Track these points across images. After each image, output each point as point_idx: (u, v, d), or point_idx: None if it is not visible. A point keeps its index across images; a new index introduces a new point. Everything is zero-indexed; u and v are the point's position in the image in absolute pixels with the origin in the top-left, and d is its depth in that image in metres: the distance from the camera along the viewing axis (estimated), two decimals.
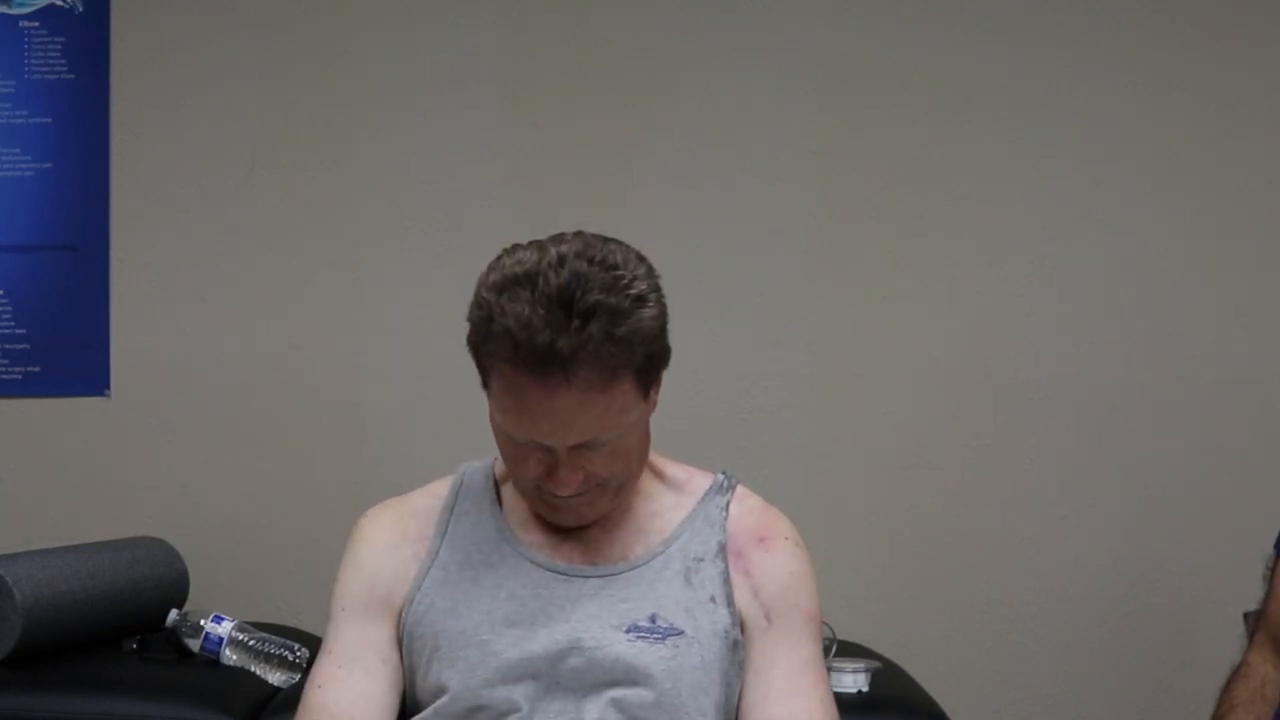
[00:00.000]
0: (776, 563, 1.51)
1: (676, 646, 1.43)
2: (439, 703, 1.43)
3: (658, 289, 1.40)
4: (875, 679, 2.00)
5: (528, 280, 1.32)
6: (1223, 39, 2.55)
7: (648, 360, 1.39)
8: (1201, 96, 2.56)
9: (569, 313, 1.30)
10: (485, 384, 1.43)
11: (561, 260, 1.33)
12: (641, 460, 1.50)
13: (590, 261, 1.34)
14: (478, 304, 1.37)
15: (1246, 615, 2.22)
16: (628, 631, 1.43)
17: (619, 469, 1.44)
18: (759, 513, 1.55)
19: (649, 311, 1.37)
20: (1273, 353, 2.55)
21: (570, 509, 1.46)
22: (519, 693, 1.41)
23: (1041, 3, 2.57)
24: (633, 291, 1.35)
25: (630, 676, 1.42)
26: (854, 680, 1.97)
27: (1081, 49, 2.55)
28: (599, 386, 1.34)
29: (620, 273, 1.35)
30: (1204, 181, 2.55)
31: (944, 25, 2.57)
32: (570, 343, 1.30)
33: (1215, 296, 2.54)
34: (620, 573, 1.47)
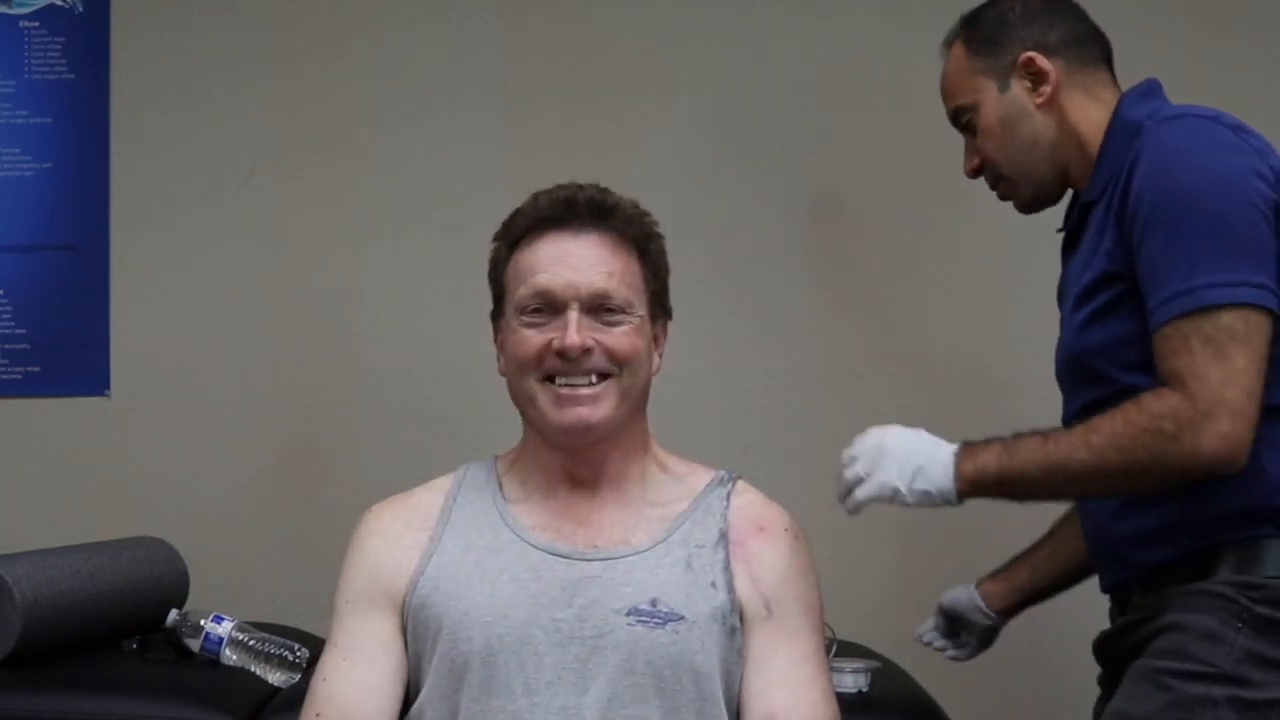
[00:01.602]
0: (776, 553, 1.53)
1: (677, 632, 1.45)
2: (450, 664, 1.45)
3: (660, 228, 1.59)
4: (875, 679, 2.00)
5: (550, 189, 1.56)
6: (1223, 40, 2.55)
7: (654, 264, 1.55)
8: (1201, 97, 2.56)
9: (585, 189, 1.54)
10: (500, 301, 1.54)
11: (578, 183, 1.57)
12: (645, 383, 1.55)
13: (604, 187, 1.57)
14: (502, 224, 1.57)
15: None
16: (628, 615, 1.45)
17: (629, 351, 1.49)
18: (760, 505, 1.59)
19: (652, 221, 1.57)
20: None
21: (578, 403, 1.48)
22: (520, 676, 1.43)
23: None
24: (643, 207, 1.57)
25: (631, 662, 1.43)
26: (854, 680, 1.97)
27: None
28: (614, 243, 1.52)
29: (629, 198, 1.57)
30: None
31: (944, 26, 2.55)
32: (588, 199, 1.52)
33: None
34: (622, 557, 1.49)
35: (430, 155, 2.60)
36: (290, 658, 2.08)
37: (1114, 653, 1.66)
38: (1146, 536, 1.61)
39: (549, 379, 1.49)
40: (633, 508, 1.54)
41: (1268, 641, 1.49)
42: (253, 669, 2.07)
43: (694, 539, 1.52)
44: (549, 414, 1.50)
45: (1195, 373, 1.47)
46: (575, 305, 1.48)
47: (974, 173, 1.79)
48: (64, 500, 2.60)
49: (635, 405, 1.54)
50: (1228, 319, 1.48)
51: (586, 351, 1.47)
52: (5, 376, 2.62)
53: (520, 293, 1.50)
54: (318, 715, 1.47)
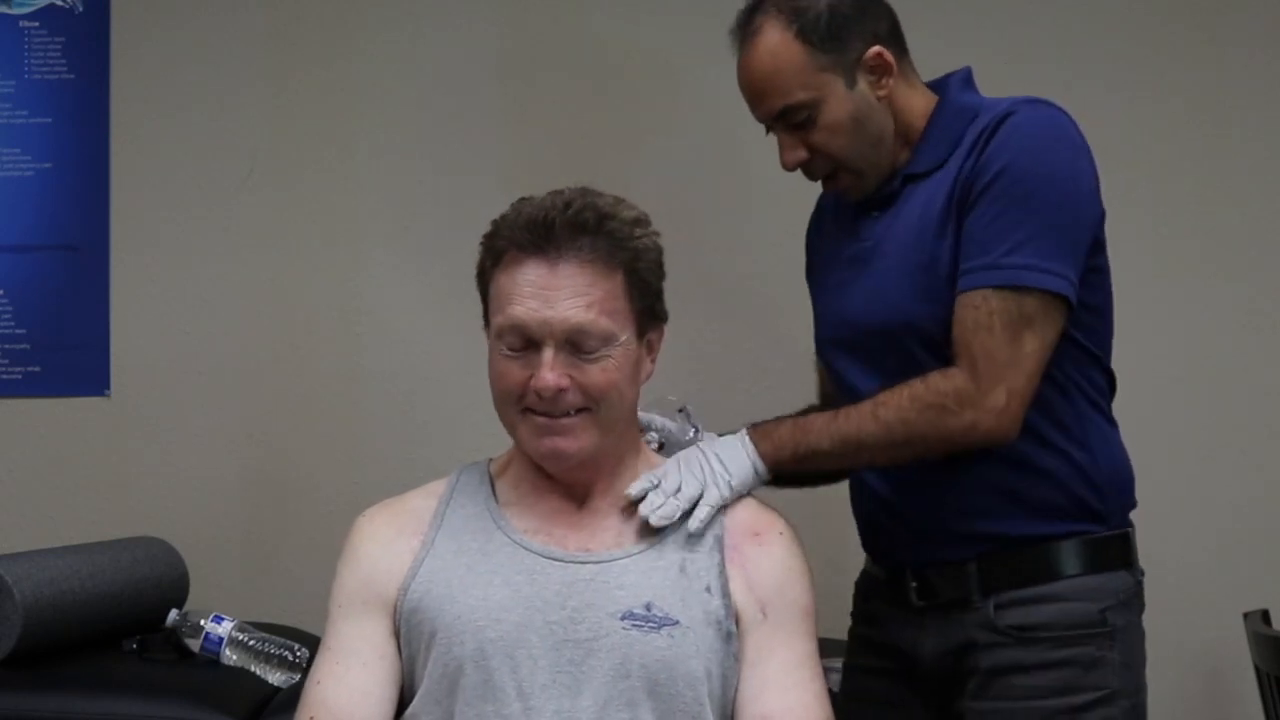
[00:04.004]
0: (772, 557, 1.53)
1: (672, 636, 1.44)
2: (443, 668, 1.45)
3: (656, 236, 1.54)
4: None
5: (540, 197, 1.51)
6: (1222, 41, 2.55)
7: (641, 280, 1.50)
8: (1201, 97, 2.56)
9: (569, 206, 1.47)
10: (487, 311, 1.52)
11: (570, 190, 1.51)
12: (629, 406, 1.53)
13: (596, 194, 1.51)
14: (490, 224, 1.52)
15: (1247, 615, 2.23)
16: (623, 619, 1.45)
17: (605, 387, 1.47)
18: (754, 508, 1.59)
19: (644, 232, 1.52)
20: (1272, 353, 2.55)
21: (555, 434, 1.48)
22: (514, 680, 1.43)
23: (1041, 5, 2.57)
24: (633, 214, 1.52)
25: (626, 666, 1.43)
26: None
27: (1079, 49, 2.55)
28: (593, 270, 1.46)
29: (624, 204, 1.52)
30: (1203, 182, 2.55)
31: (943, 25, 2.56)
32: (567, 221, 1.46)
33: (1215, 297, 2.54)
34: (616, 560, 1.49)
35: (429, 157, 2.60)
36: (290, 658, 2.08)
37: (956, 668, 1.70)
38: (980, 511, 1.67)
39: (528, 409, 1.49)
40: (625, 510, 1.54)
41: (1129, 646, 1.67)
42: (253, 669, 2.08)
43: (688, 543, 1.52)
44: (529, 444, 1.51)
45: (988, 351, 1.58)
46: (550, 343, 1.46)
47: (796, 165, 1.75)
48: (64, 500, 2.60)
49: (619, 428, 1.53)
50: (1031, 303, 1.59)
51: (562, 390, 1.46)
52: (5, 376, 2.62)
53: (498, 321, 1.49)
54: (311, 718, 1.47)
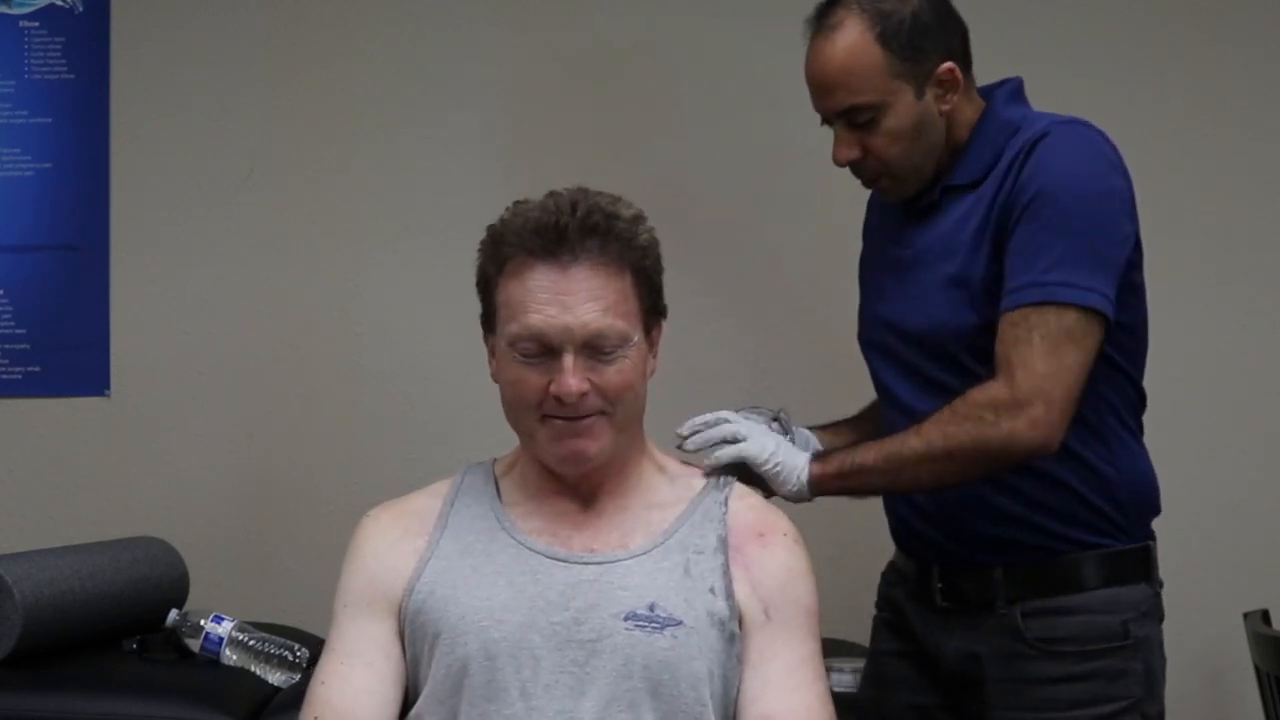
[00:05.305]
0: (775, 558, 1.53)
1: (675, 637, 1.44)
2: (447, 669, 1.45)
3: (653, 230, 1.54)
4: None
5: (539, 200, 1.51)
6: (1222, 41, 2.55)
7: (648, 278, 1.51)
8: (1201, 97, 2.56)
9: (575, 209, 1.47)
10: (491, 317, 1.51)
11: (568, 191, 1.51)
12: (640, 404, 1.54)
13: (594, 193, 1.51)
14: (489, 230, 1.51)
15: (1247, 615, 2.23)
16: (626, 619, 1.44)
17: (622, 389, 1.48)
18: (758, 509, 1.58)
19: (645, 229, 1.52)
20: (1273, 353, 2.55)
21: (575, 435, 1.48)
22: (517, 680, 1.43)
23: (1041, 5, 2.57)
24: (632, 212, 1.51)
25: (629, 666, 1.43)
26: (853, 679, 1.98)
27: (1079, 49, 2.55)
28: (604, 271, 1.46)
29: (621, 202, 1.52)
30: (1202, 182, 2.55)
31: None
32: (577, 225, 1.45)
33: (1214, 298, 2.55)
34: (620, 560, 1.49)
35: (429, 158, 2.60)
36: (290, 658, 2.08)
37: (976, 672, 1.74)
38: (1006, 519, 1.71)
39: (547, 415, 1.49)
40: (630, 511, 1.54)
41: (1150, 655, 1.72)
42: (253, 669, 2.08)
43: (692, 544, 1.51)
44: (547, 449, 1.50)
45: (1026, 363, 1.60)
46: (570, 348, 1.45)
47: (847, 163, 1.75)
48: (64, 500, 2.60)
49: (631, 427, 1.54)
50: (1070, 318, 1.61)
51: (583, 394, 1.46)
52: (5, 376, 2.62)
53: (512, 329, 1.47)
54: (316, 718, 1.47)
